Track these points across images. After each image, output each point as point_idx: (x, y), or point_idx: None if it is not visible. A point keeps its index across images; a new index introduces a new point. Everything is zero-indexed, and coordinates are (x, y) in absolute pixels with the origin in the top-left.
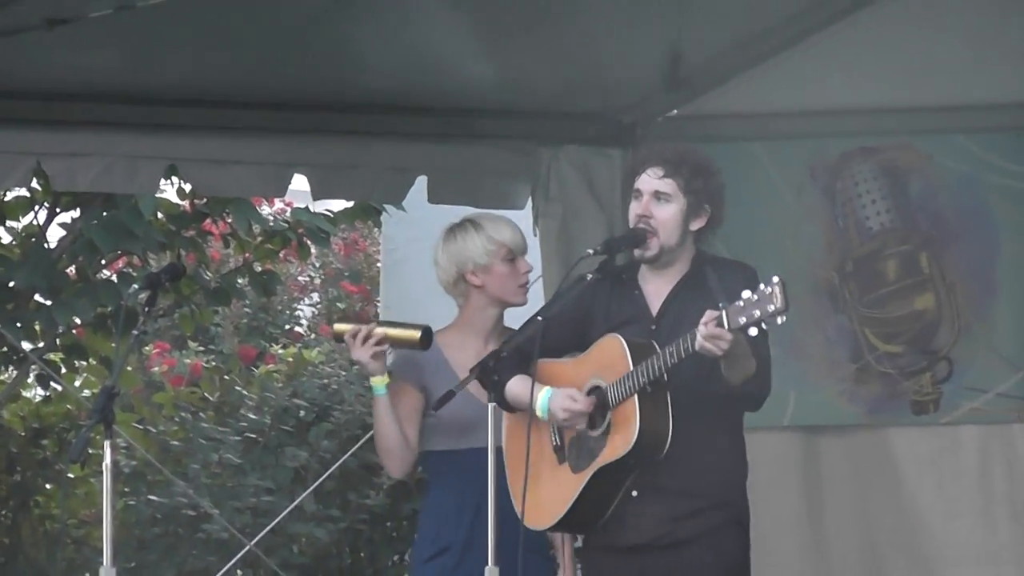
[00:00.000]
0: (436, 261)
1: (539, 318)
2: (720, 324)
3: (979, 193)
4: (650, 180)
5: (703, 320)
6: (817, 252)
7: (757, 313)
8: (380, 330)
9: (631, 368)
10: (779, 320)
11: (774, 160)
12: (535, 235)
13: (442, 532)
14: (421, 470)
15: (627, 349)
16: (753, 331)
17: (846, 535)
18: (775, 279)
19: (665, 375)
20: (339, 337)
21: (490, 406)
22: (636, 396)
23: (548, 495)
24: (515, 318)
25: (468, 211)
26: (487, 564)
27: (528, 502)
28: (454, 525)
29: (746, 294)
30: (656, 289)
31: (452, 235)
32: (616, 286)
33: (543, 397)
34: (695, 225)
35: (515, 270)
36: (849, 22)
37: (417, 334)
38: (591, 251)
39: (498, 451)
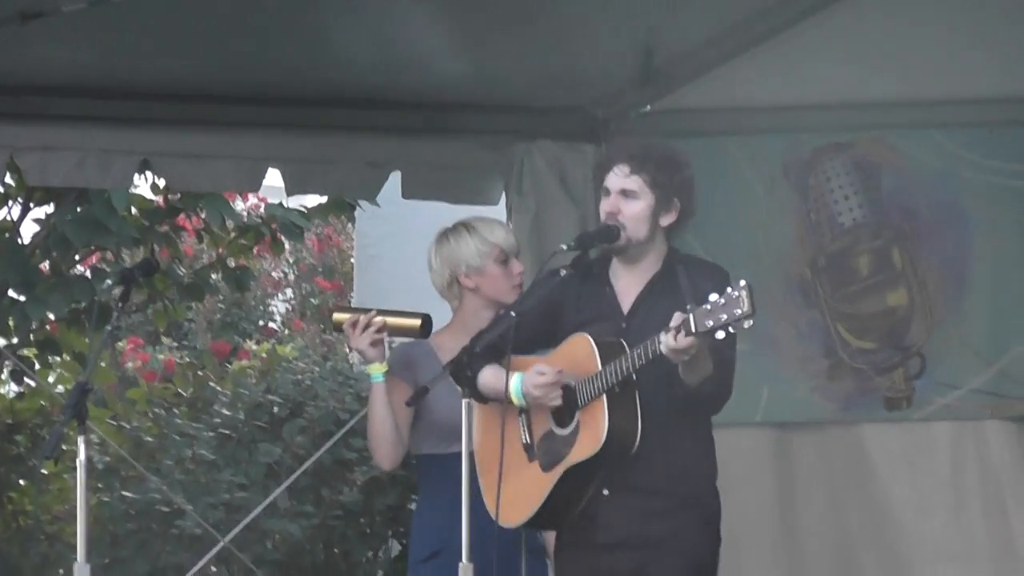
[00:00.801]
0: (429, 265)
1: (511, 313)
2: (687, 329)
3: (952, 188)
4: (617, 178)
5: (671, 324)
6: (790, 247)
7: (724, 317)
8: (379, 318)
9: (599, 368)
10: (746, 324)
11: (747, 155)
12: None
13: (436, 534)
14: (400, 469)
15: (596, 349)
16: (720, 334)
17: (819, 532)
18: (742, 283)
19: (633, 375)
20: (338, 326)
21: (464, 402)
22: (605, 396)
23: (518, 493)
24: None
25: (443, 208)
26: (473, 562)
27: (501, 499)
28: (448, 527)
29: (713, 297)
30: (627, 286)
31: (445, 238)
32: (587, 281)
33: (515, 382)
34: (665, 220)
35: (508, 271)
36: (822, 17)
37: (417, 322)
38: (564, 246)
39: (471, 453)
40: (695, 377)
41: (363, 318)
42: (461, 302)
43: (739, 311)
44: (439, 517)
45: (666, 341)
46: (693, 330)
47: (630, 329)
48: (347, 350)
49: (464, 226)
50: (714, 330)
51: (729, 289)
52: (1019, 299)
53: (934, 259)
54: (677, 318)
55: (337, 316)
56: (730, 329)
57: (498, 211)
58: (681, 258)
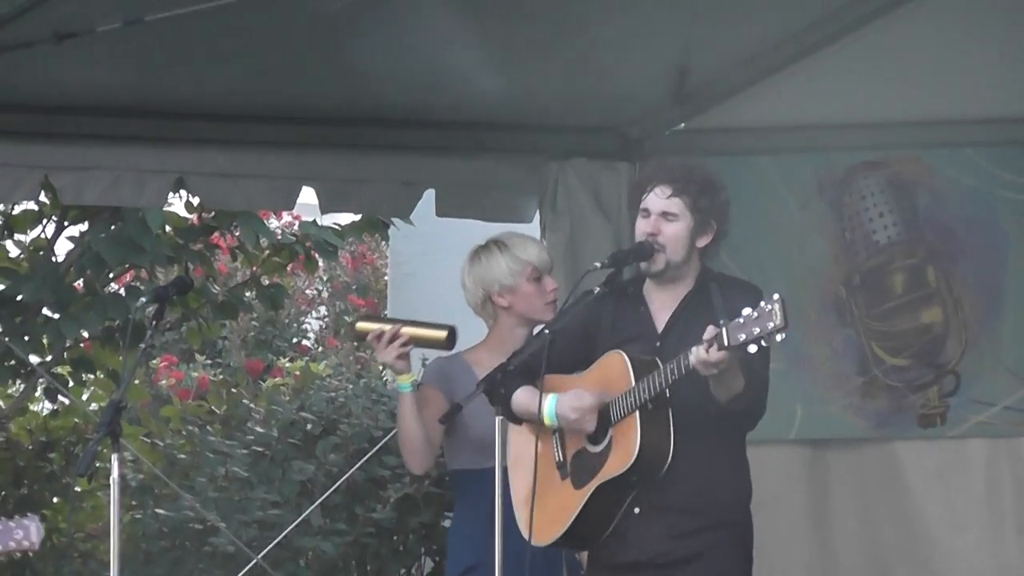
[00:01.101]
0: (463, 284)
1: (546, 332)
2: (720, 343)
3: (986, 206)
4: (658, 200)
5: (704, 336)
6: (824, 265)
7: (757, 330)
8: (407, 330)
9: (633, 384)
10: (778, 338)
11: (781, 174)
12: None
13: (471, 549)
14: (428, 483)
15: (630, 366)
16: (752, 348)
17: (853, 549)
18: (775, 296)
19: (667, 391)
20: (362, 336)
21: (497, 420)
22: (637, 412)
23: (550, 511)
24: None
25: (476, 226)
26: None
27: (534, 518)
28: (482, 542)
29: (746, 311)
30: (662, 305)
31: (477, 257)
32: (622, 301)
33: (550, 404)
34: (701, 242)
35: (541, 288)
36: (856, 36)
37: (443, 334)
38: (598, 264)
39: (505, 469)
40: (726, 393)
41: (388, 331)
42: (496, 320)
43: (772, 324)
44: (473, 532)
45: (696, 354)
46: (726, 343)
47: (664, 348)
48: (380, 367)
49: (496, 244)
50: (746, 343)
51: (763, 303)
52: None
53: (969, 277)
54: (710, 331)
55: (361, 325)
56: (763, 343)
57: (532, 229)
58: (714, 276)
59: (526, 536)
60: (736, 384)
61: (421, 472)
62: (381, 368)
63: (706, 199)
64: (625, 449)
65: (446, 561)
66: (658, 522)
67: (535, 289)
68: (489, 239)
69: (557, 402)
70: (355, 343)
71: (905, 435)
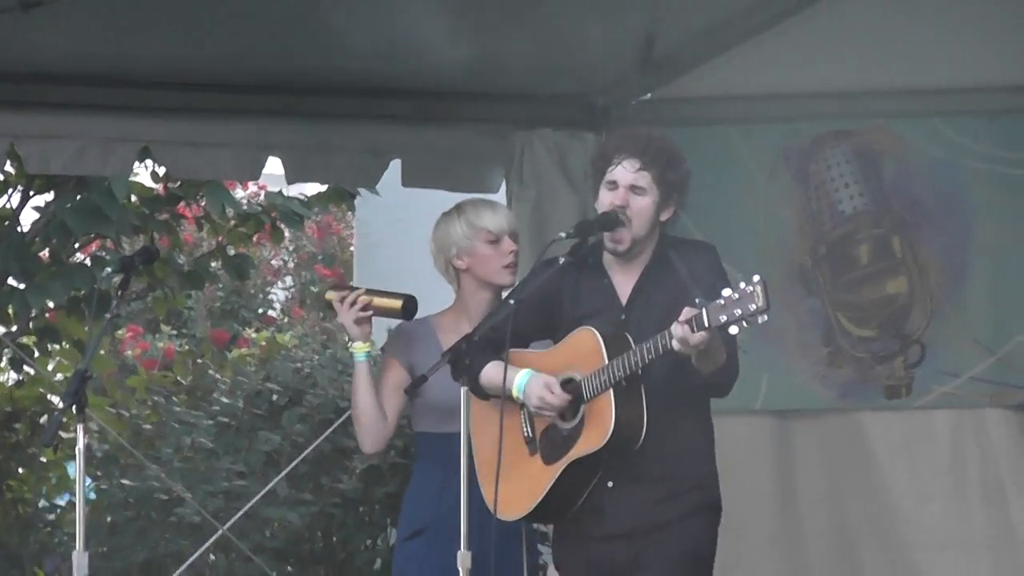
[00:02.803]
0: (431, 251)
1: (511, 301)
2: (700, 324)
3: (954, 177)
4: (626, 173)
5: (681, 318)
6: (790, 235)
7: (738, 312)
8: (365, 296)
9: (606, 362)
10: (760, 320)
11: (747, 143)
12: None
13: (421, 512)
14: (394, 453)
15: (602, 343)
16: (734, 329)
17: (818, 519)
18: (756, 278)
19: (640, 370)
20: (328, 303)
21: (462, 390)
22: (612, 390)
23: (519, 486)
24: None
25: (442, 196)
26: (459, 548)
27: (499, 493)
28: (433, 506)
29: (726, 292)
30: (624, 277)
31: (440, 222)
32: (583, 272)
33: (522, 377)
34: (664, 215)
35: (498, 251)
36: (823, 5)
37: (399, 303)
38: (563, 234)
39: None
40: (710, 367)
41: (351, 295)
42: (459, 284)
43: (753, 306)
44: (426, 496)
45: (677, 335)
46: (707, 325)
47: (629, 320)
48: (346, 338)
49: (455, 209)
50: (728, 325)
51: (743, 284)
52: (1020, 289)
53: (935, 247)
54: (688, 312)
55: (329, 294)
56: (744, 324)
57: (498, 199)
58: (671, 242)
59: (491, 509)
60: (720, 358)
61: (372, 450)
62: (347, 338)
63: (672, 173)
64: (600, 427)
65: (399, 520)
66: (633, 494)
67: (492, 251)
68: (454, 205)
69: (529, 380)
70: (321, 314)
71: (871, 406)
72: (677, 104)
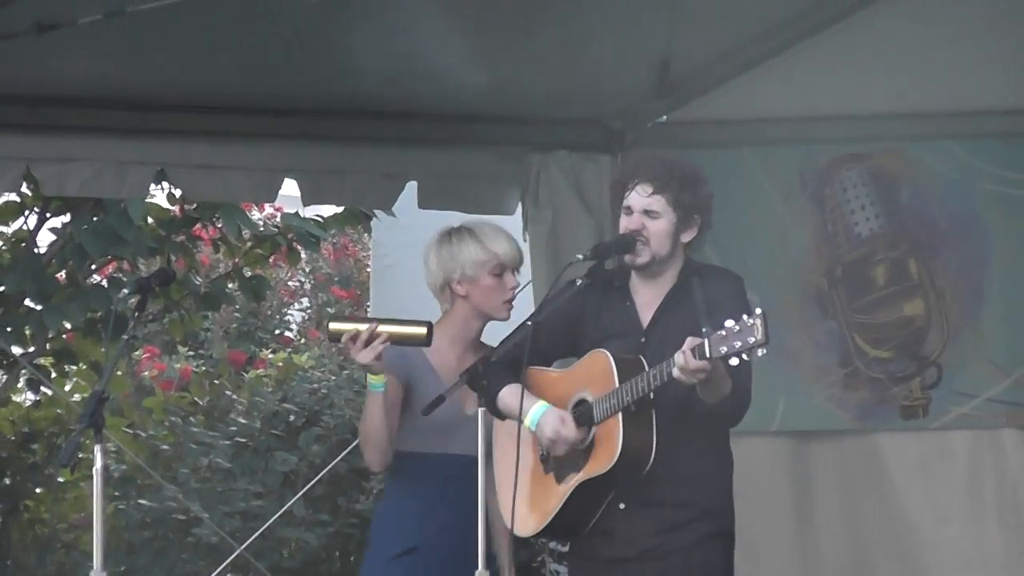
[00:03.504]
0: (426, 262)
1: (528, 323)
2: (701, 354)
3: (969, 199)
4: (640, 198)
5: (684, 347)
6: (806, 258)
7: (738, 344)
8: (384, 328)
9: (617, 385)
10: (759, 353)
11: (763, 166)
12: (525, 240)
13: (409, 531)
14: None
15: (614, 366)
16: (734, 361)
17: (835, 540)
18: (757, 311)
19: (651, 394)
20: (335, 337)
21: (480, 411)
22: (620, 414)
23: (532, 503)
24: (494, 331)
25: (458, 217)
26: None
27: (516, 509)
28: (422, 525)
29: (729, 324)
30: (647, 300)
31: (447, 239)
32: (607, 294)
33: (537, 411)
34: (686, 237)
35: (502, 285)
36: (839, 29)
37: (423, 331)
38: (580, 256)
39: (473, 459)
40: (714, 397)
41: (365, 331)
42: (452, 306)
43: (752, 339)
44: (416, 514)
45: (678, 363)
46: (707, 355)
47: (649, 344)
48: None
49: (467, 230)
50: (728, 357)
51: (745, 316)
52: None
53: (951, 269)
54: (691, 341)
55: (334, 326)
56: (744, 357)
57: (514, 221)
58: (697, 268)
59: (508, 525)
60: (724, 388)
61: (380, 469)
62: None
63: (688, 194)
64: (608, 450)
65: (375, 539)
66: (644, 517)
67: (495, 284)
68: (462, 224)
69: (544, 415)
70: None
71: (887, 427)
72: (692, 127)
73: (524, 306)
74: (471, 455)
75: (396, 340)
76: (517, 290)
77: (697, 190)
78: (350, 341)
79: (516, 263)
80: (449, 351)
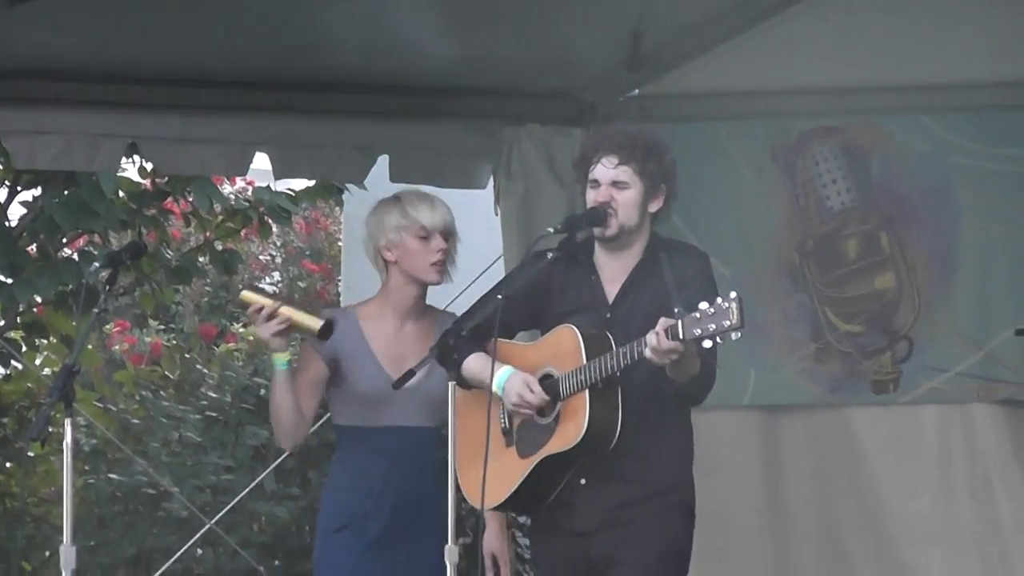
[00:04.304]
0: (360, 236)
1: (498, 295)
2: (675, 334)
3: (941, 173)
4: (606, 170)
5: (657, 328)
6: (778, 231)
7: (712, 327)
8: (285, 311)
9: (584, 362)
10: (733, 336)
11: (735, 140)
12: (496, 214)
13: (349, 505)
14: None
15: (582, 342)
16: (707, 343)
17: (806, 514)
18: (732, 295)
19: (617, 373)
20: (244, 305)
21: (450, 384)
22: (587, 392)
23: (495, 476)
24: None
25: (432, 191)
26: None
27: (474, 481)
28: (361, 499)
29: (703, 306)
30: (612, 275)
31: (375, 210)
32: (572, 267)
33: (503, 374)
34: (653, 207)
35: (427, 248)
36: (810, 2)
37: (318, 325)
38: (552, 229)
39: (408, 429)
40: (683, 376)
41: (268, 307)
42: (387, 275)
43: (727, 323)
44: (353, 489)
45: (651, 343)
46: (681, 336)
47: (615, 319)
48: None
49: (394, 199)
50: (701, 339)
51: (719, 299)
52: (1007, 284)
53: (923, 243)
54: (664, 322)
55: (245, 295)
56: (718, 339)
57: (486, 194)
58: (663, 244)
59: (469, 499)
60: (693, 367)
61: (290, 448)
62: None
63: (653, 163)
64: (573, 426)
65: (319, 513)
66: (605, 492)
67: (420, 246)
68: (393, 194)
69: (510, 378)
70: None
71: (858, 401)
72: (664, 100)
73: (497, 279)
74: (410, 425)
75: (294, 326)
76: (447, 252)
77: (662, 158)
78: (255, 312)
79: (441, 227)
80: (387, 320)
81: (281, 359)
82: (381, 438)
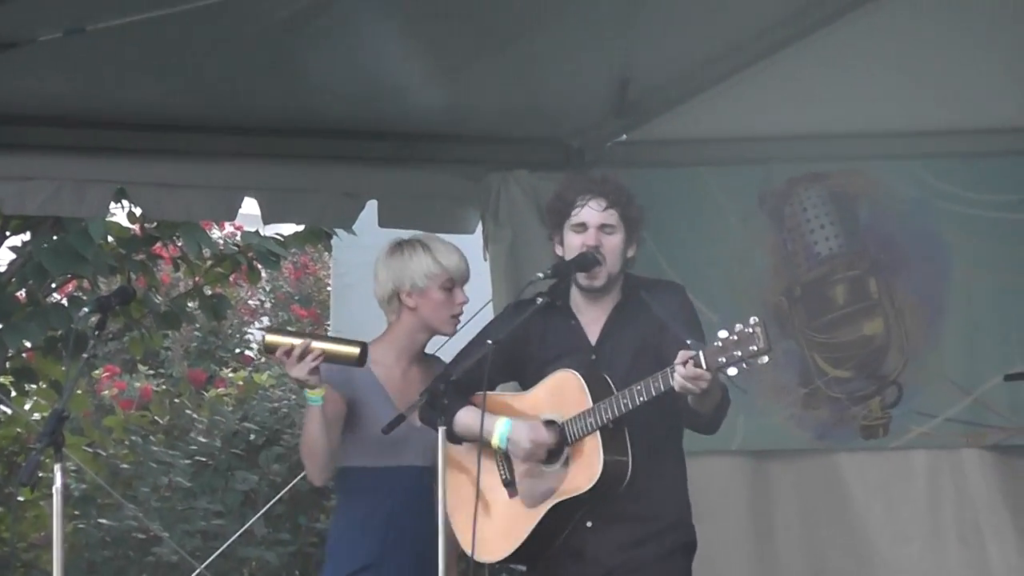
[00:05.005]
0: (375, 273)
1: (488, 341)
2: (698, 364)
3: (929, 218)
4: (594, 213)
5: (678, 360)
6: (765, 277)
7: (738, 353)
8: (318, 345)
9: (590, 404)
10: (762, 360)
11: (722, 185)
12: (485, 259)
13: (362, 548)
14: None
15: (585, 385)
16: (733, 371)
17: (795, 560)
18: (753, 319)
19: (629, 411)
20: (271, 350)
21: (440, 430)
22: (598, 433)
23: (499, 529)
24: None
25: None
26: None
27: (476, 536)
28: (372, 542)
29: (723, 334)
30: (592, 318)
31: (398, 250)
32: (550, 314)
33: (503, 427)
34: (631, 252)
35: (451, 299)
36: (797, 48)
37: (356, 351)
38: (541, 274)
39: (422, 469)
40: (709, 407)
41: (298, 347)
42: (398, 318)
43: (754, 347)
44: (368, 529)
45: (686, 375)
46: (704, 367)
47: (600, 361)
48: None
49: (420, 243)
50: (727, 366)
51: (739, 325)
52: (995, 329)
53: (911, 289)
54: (684, 355)
55: (270, 339)
56: (744, 366)
57: (474, 240)
58: (640, 282)
59: (467, 551)
60: (717, 396)
61: (321, 483)
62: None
63: (632, 209)
64: (588, 469)
65: (328, 558)
66: (611, 534)
67: (444, 298)
68: (413, 236)
69: (511, 429)
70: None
71: (847, 446)
72: (651, 146)
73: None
74: (420, 465)
75: (329, 358)
76: (465, 305)
77: (635, 204)
78: (284, 355)
79: (465, 279)
80: (395, 364)
81: (315, 396)
82: (396, 478)
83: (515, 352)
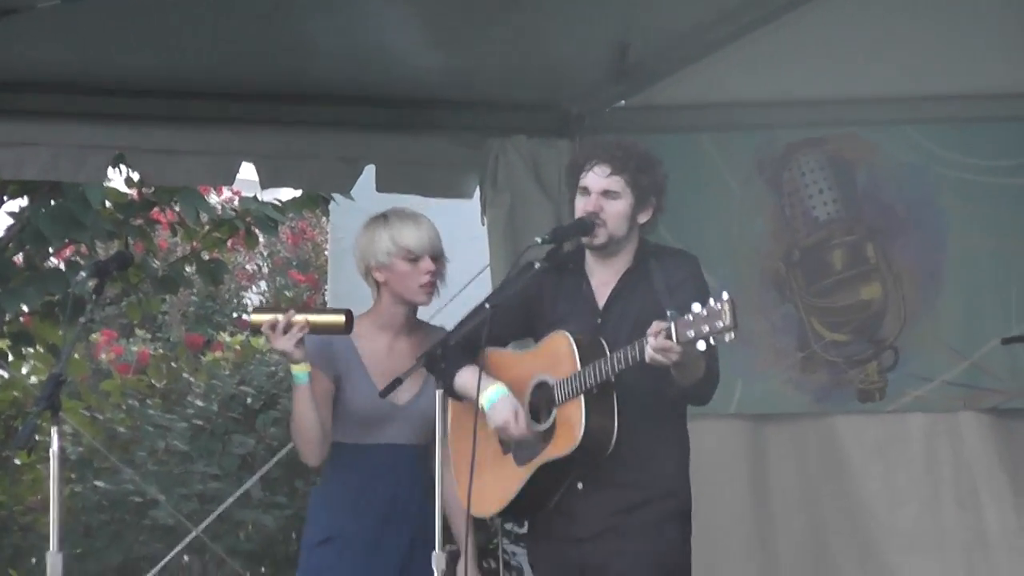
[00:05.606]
0: (353, 250)
1: (486, 305)
2: (668, 336)
3: (926, 184)
4: (597, 179)
5: (650, 331)
6: (764, 242)
7: (705, 328)
8: (301, 317)
9: (578, 368)
10: (727, 338)
11: (721, 151)
12: (483, 224)
13: (335, 520)
14: None
15: (575, 348)
16: (701, 345)
17: (792, 523)
18: (724, 296)
19: (612, 378)
20: (256, 328)
21: (438, 393)
22: (583, 397)
23: (491, 484)
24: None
25: (416, 201)
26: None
27: (472, 490)
28: (349, 516)
29: (696, 308)
30: (602, 281)
31: (366, 228)
32: (563, 275)
33: (494, 393)
34: (642, 218)
35: (416, 270)
36: (797, 13)
37: (341, 318)
38: (539, 239)
39: (404, 447)
40: (689, 379)
41: (283, 319)
42: (378, 293)
43: (720, 324)
44: (342, 505)
45: (655, 346)
46: (674, 339)
47: (605, 325)
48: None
49: (383, 219)
50: (695, 340)
51: (712, 301)
52: (992, 293)
53: (908, 253)
54: (657, 325)
55: (255, 318)
56: (711, 341)
57: (472, 204)
58: (652, 250)
59: (464, 506)
60: (699, 370)
61: (316, 463)
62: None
63: (645, 176)
64: (569, 433)
65: (306, 526)
66: (603, 498)
67: (409, 269)
68: (385, 211)
69: (499, 400)
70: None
71: (844, 410)
72: (650, 112)
73: (483, 289)
74: (401, 443)
75: (315, 328)
76: (436, 274)
77: (654, 172)
78: (269, 329)
79: (428, 249)
80: (379, 338)
81: (301, 372)
82: (374, 456)
83: (527, 312)
